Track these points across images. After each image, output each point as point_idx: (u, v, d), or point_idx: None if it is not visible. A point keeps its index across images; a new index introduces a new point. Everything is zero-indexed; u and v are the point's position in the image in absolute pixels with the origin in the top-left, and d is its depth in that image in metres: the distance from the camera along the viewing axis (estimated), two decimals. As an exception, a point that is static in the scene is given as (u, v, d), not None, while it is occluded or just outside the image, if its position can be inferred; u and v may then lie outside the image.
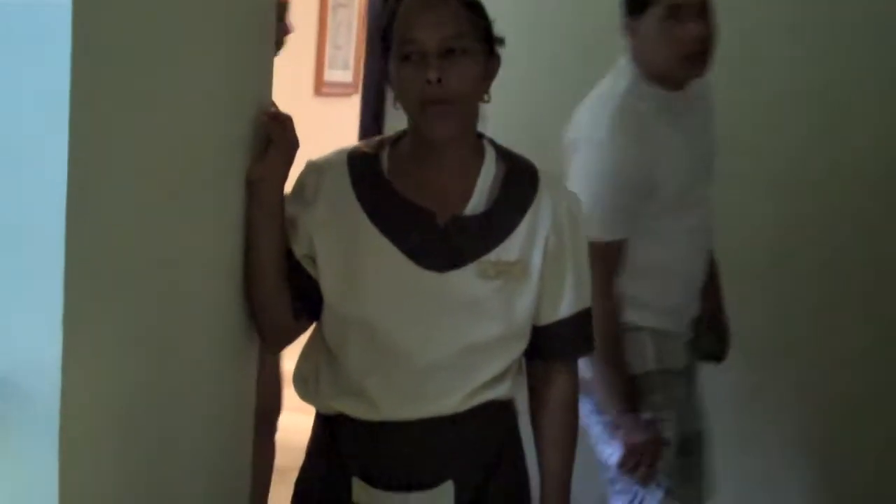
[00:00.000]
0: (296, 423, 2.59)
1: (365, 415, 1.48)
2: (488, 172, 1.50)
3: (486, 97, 1.47)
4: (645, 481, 2.07)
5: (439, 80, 1.37)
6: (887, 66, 2.67)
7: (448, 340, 1.45)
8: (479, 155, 1.51)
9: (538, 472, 1.59)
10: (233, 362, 1.49)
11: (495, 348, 1.48)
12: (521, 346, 1.52)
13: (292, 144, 1.45)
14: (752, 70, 2.59)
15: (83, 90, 0.99)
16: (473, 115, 1.48)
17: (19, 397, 1.04)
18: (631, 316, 2.05)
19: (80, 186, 1.01)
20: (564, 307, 1.52)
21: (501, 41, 1.49)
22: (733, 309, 2.36)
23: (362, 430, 1.49)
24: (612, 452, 2.11)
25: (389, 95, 1.51)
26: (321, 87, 4.54)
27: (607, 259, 1.99)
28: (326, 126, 3.50)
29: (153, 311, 1.22)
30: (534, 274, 1.48)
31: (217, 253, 1.41)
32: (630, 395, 2.06)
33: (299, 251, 1.49)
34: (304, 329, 1.55)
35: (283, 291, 1.48)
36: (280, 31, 2.24)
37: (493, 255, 1.46)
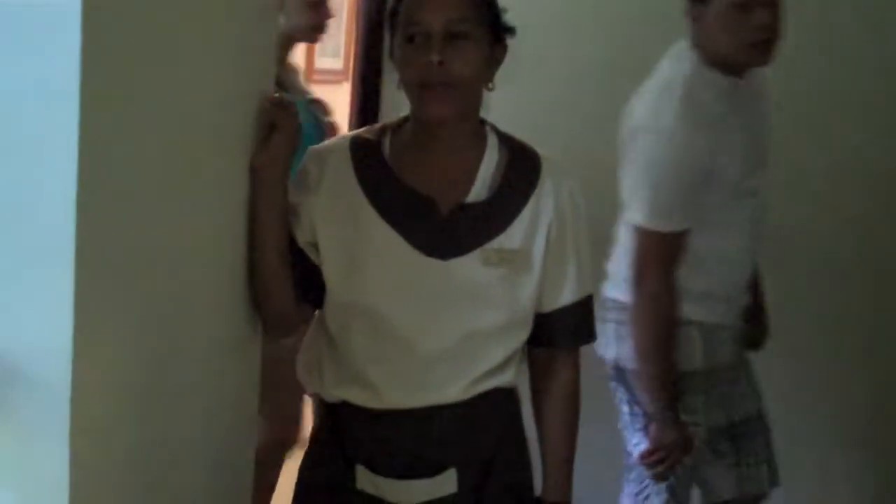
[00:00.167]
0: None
1: (368, 403, 1.48)
2: (490, 159, 1.50)
3: (490, 84, 1.48)
4: (659, 479, 2.07)
5: (441, 63, 1.38)
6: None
7: (450, 328, 1.46)
8: (482, 141, 1.51)
9: (540, 458, 1.60)
10: (236, 349, 1.50)
11: (498, 336, 1.49)
12: (523, 333, 1.53)
13: (295, 131, 1.45)
14: (804, 65, 2.58)
15: (92, 81, 1.00)
16: (475, 101, 1.48)
17: (30, 386, 1.05)
18: (683, 309, 2.02)
19: (90, 176, 1.02)
20: (566, 294, 1.53)
21: (512, 31, 1.49)
22: (780, 299, 2.36)
23: (366, 418, 1.49)
24: (637, 443, 2.11)
25: (388, 81, 1.51)
26: (311, 74, 4.53)
27: (667, 251, 1.97)
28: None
29: (160, 299, 1.23)
30: (536, 261, 1.49)
31: (221, 240, 1.41)
32: (672, 392, 2.03)
33: (302, 238, 1.49)
34: (307, 317, 1.56)
35: (286, 278, 1.48)
36: (320, 16, 2.25)
37: (495, 243, 1.46)
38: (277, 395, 1.89)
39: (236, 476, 1.56)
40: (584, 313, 1.57)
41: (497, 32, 1.47)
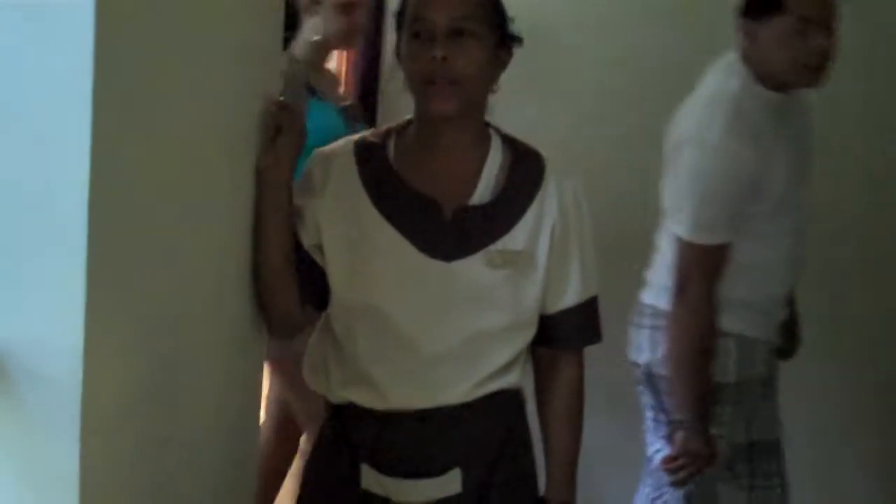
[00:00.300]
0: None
1: (373, 403, 1.49)
2: (494, 161, 1.51)
3: (494, 87, 1.49)
4: (678, 485, 2.07)
5: (445, 59, 1.39)
6: None
7: (455, 329, 1.46)
8: (485, 143, 1.52)
9: (544, 458, 1.61)
10: (241, 349, 1.51)
11: (502, 337, 1.50)
12: (528, 335, 1.53)
13: (300, 134, 1.46)
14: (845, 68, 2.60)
15: (105, 81, 1.01)
16: (479, 100, 1.49)
17: (42, 385, 1.06)
18: (721, 320, 2.02)
19: (102, 177, 1.03)
20: (570, 296, 1.53)
21: (518, 40, 1.50)
22: (825, 304, 2.36)
23: (371, 419, 1.50)
24: (659, 449, 2.11)
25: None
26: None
27: (709, 263, 1.97)
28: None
29: (168, 299, 1.24)
30: (540, 263, 1.49)
31: (227, 241, 1.42)
32: (703, 402, 2.03)
33: (307, 241, 1.50)
34: (312, 319, 1.56)
35: (290, 281, 1.49)
36: (353, 21, 2.25)
37: (499, 244, 1.47)
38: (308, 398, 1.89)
39: (240, 471, 1.57)
40: (588, 314, 1.57)
41: (502, 35, 1.48)
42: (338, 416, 1.56)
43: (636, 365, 2.16)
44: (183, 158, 1.24)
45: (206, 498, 1.43)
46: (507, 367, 1.51)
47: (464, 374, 1.48)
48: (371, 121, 2.84)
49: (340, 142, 1.57)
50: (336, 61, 3.07)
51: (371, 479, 1.51)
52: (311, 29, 2.38)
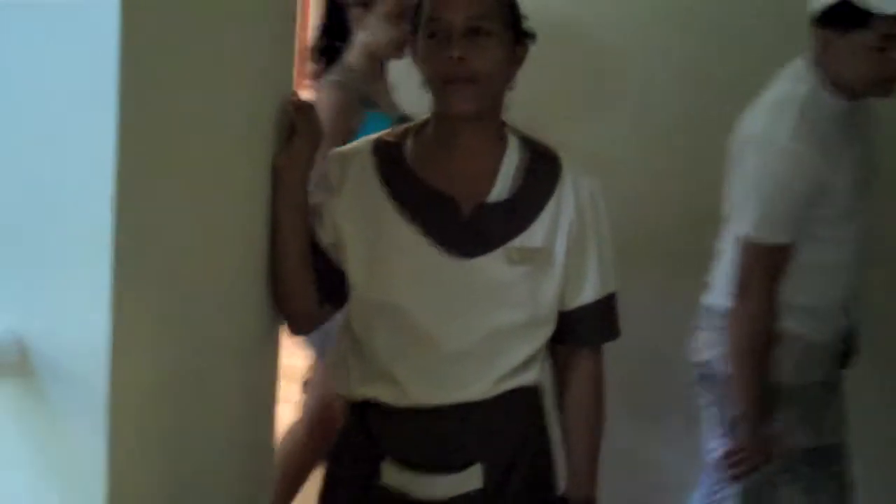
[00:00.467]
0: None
1: (394, 400, 1.50)
2: (511, 159, 1.52)
3: (511, 84, 1.50)
4: (735, 480, 2.09)
5: (462, 58, 1.40)
6: None
7: (474, 327, 1.47)
8: (503, 141, 1.53)
9: (564, 455, 1.61)
10: (259, 343, 1.52)
11: (521, 334, 1.51)
12: (546, 331, 1.54)
13: (316, 132, 1.47)
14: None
15: (129, 82, 1.03)
16: (496, 100, 1.50)
17: (69, 381, 1.08)
18: (782, 322, 2.04)
19: (126, 176, 1.05)
20: (588, 292, 1.54)
21: (532, 36, 1.52)
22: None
23: (391, 415, 1.51)
24: (717, 447, 2.12)
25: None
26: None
27: (771, 262, 1.99)
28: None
29: (189, 296, 1.26)
30: (558, 260, 1.50)
31: (245, 239, 1.43)
32: (762, 401, 2.05)
33: (325, 239, 1.51)
34: (329, 317, 1.57)
35: (307, 278, 1.50)
36: (403, 31, 2.21)
37: (517, 242, 1.48)
38: None
39: (259, 463, 1.58)
40: (606, 310, 1.58)
41: (518, 33, 1.49)
42: (358, 413, 1.57)
43: (697, 365, 2.18)
44: (202, 158, 1.26)
45: (227, 486, 1.44)
46: (526, 364, 1.53)
47: (483, 371, 1.49)
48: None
49: (358, 141, 1.58)
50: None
51: (392, 474, 1.52)
52: (363, 39, 2.40)
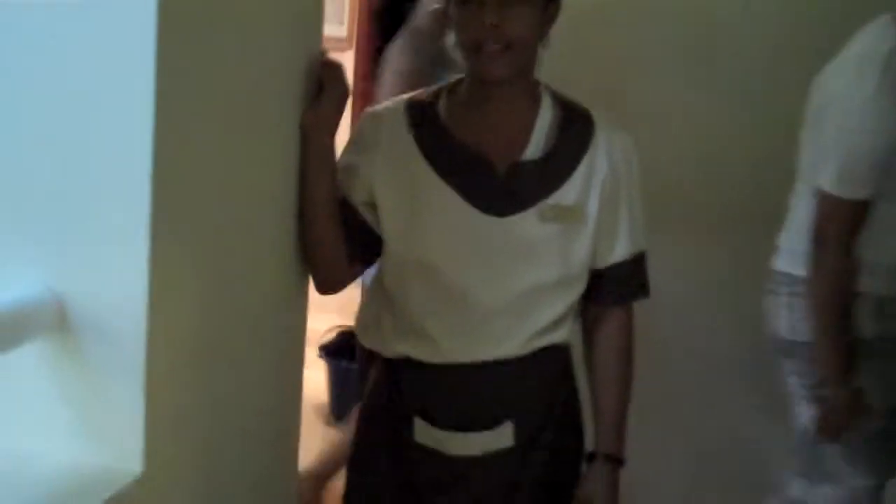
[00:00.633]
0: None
1: (427, 357, 1.52)
2: (545, 117, 1.51)
3: (544, 43, 1.48)
4: (829, 440, 2.07)
5: (496, 25, 1.39)
6: None
7: (508, 284, 1.48)
8: (536, 100, 1.52)
9: (593, 413, 1.63)
10: (288, 302, 1.53)
11: (554, 292, 1.51)
12: (578, 289, 1.55)
13: (343, 91, 1.47)
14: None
15: (166, 46, 1.04)
16: (530, 60, 1.49)
17: (107, 339, 1.10)
18: (860, 279, 2.01)
19: (164, 136, 1.06)
20: (619, 250, 1.55)
21: None
22: None
23: (424, 372, 1.53)
24: (806, 412, 2.11)
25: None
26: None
27: (849, 218, 1.97)
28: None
29: (223, 254, 1.27)
30: (590, 218, 1.51)
31: (274, 197, 1.44)
32: (846, 359, 2.02)
33: (358, 198, 1.52)
34: (357, 275, 1.58)
35: (336, 236, 1.51)
36: None
37: (551, 200, 1.48)
38: None
39: (286, 423, 1.60)
40: (636, 269, 1.58)
41: None
42: (391, 371, 1.58)
43: (775, 336, 2.16)
44: (234, 119, 1.26)
45: (257, 443, 1.46)
46: (557, 322, 1.54)
47: (516, 329, 1.50)
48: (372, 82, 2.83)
49: (390, 101, 1.58)
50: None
51: (424, 432, 1.54)
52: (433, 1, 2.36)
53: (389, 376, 1.59)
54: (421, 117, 1.52)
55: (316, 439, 2.65)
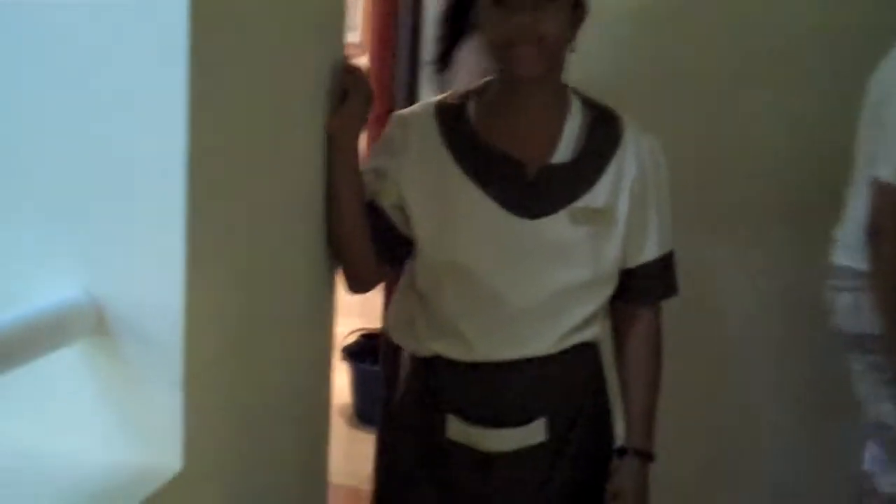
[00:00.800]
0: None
1: (460, 355, 1.54)
2: (574, 120, 1.53)
3: (572, 46, 1.50)
4: None
5: (529, 23, 1.41)
6: None
7: (540, 285, 1.50)
8: (565, 103, 1.54)
9: (623, 410, 1.65)
10: (316, 300, 1.56)
11: (584, 293, 1.53)
12: (609, 289, 1.57)
13: (367, 96, 1.49)
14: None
15: (199, 46, 1.06)
16: (560, 61, 1.50)
17: (145, 340, 1.12)
18: None
19: (198, 141, 1.08)
20: (648, 251, 1.57)
21: None
22: None
23: (457, 370, 1.55)
24: (890, 409, 2.09)
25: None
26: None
27: None
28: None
29: (255, 257, 1.29)
30: (620, 219, 1.53)
31: (303, 199, 1.46)
32: None
33: (387, 201, 1.54)
34: (385, 276, 1.61)
35: (363, 237, 1.53)
36: None
37: (581, 202, 1.50)
38: None
39: (317, 416, 1.63)
40: (665, 268, 1.61)
41: None
42: (423, 369, 1.60)
43: (842, 331, 2.15)
44: (265, 123, 1.29)
45: (288, 440, 1.49)
46: (588, 321, 1.55)
47: (548, 328, 1.52)
48: (389, 89, 2.85)
49: (419, 105, 1.60)
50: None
51: (457, 428, 1.56)
52: None
53: (422, 375, 1.61)
54: (450, 120, 1.54)
55: (339, 440, 2.67)
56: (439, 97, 1.61)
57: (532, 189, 1.50)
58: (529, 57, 1.43)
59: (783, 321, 2.55)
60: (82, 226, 1.11)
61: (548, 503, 1.59)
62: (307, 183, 1.46)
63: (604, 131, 1.54)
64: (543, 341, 1.53)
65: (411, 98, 2.79)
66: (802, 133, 2.50)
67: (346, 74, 1.49)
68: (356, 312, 3.46)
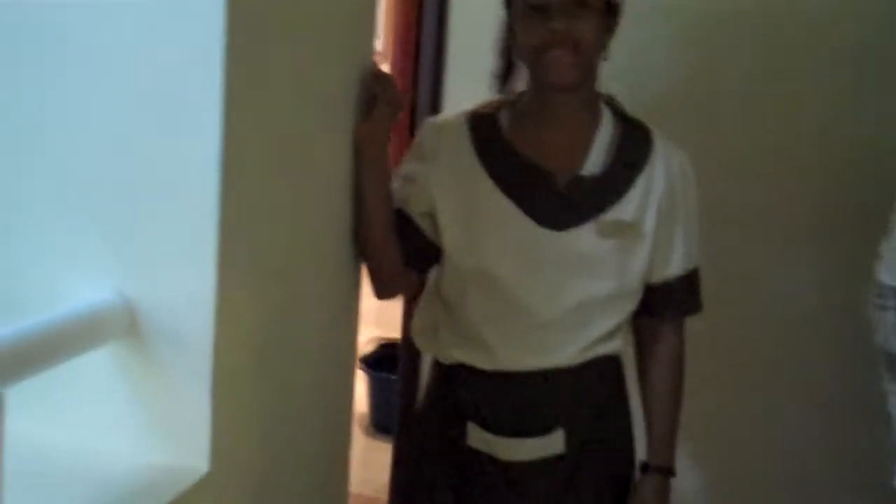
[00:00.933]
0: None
1: (483, 364, 1.55)
2: (605, 132, 1.54)
3: (605, 55, 1.50)
4: None
5: (562, 32, 1.41)
6: None
7: (564, 296, 1.50)
8: (597, 114, 1.55)
9: (645, 424, 1.65)
10: (341, 302, 1.57)
11: (608, 305, 1.54)
12: (632, 303, 1.57)
13: (396, 103, 1.50)
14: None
15: (234, 59, 1.07)
16: (592, 70, 1.51)
17: (175, 342, 1.13)
18: None
19: (231, 144, 1.09)
20: (674, 266, 1.57)
21: (620, 4, 1.52)
22: None
23: (479, 378, 1.55)
24: None
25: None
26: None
27: None
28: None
29: (285, 259, 1.31)
30: (647, 233, 1.53)
31: (331, 207, 1.47)
32: None
33: (416, 207, 1.55)
34: (413, 282, 1.61)
35: (391, 243, 1.54)
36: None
37: (609, 215, 1.50)
38: None
39: (339, 421, 1.64)
40: (690, 285, 1.61)
41: (610, 2, 1.49)
42: (446, 376, 1.61)
43: (883, 350, 2.07)
44: (295, 128, 1.30)
45: (312, 442, 1.50)
46: (611, 334, 1.56)
47: (571, 339, 1.53)
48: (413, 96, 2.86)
49: (452, 113, 1.61)
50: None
51: (477, 436, 1.57)
52: None
53: (444, 382, 1.62)
54: (482, 128, 1.55)
55: (355, 449, 2.68)
56: (474, 106, 1.61)
57: (560, 200, 1.51)
58: (563, 62, 1.44)
59: (824, 332, 2.52)
60: (115, 227, 1.12)
61: None
62: (336, 187, 1.47)
63: (634, 144, 1.55)
64: (566, 352, 1.53)
65: (434, 105, 2.79)
66: (859, 141, 2.45)
67: (375, 81, 1.50)
68: (372, 321, 3.46)
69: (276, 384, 1.32)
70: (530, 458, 1.56)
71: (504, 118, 1.56)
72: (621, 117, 1.57)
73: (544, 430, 1.55)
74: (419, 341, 1.65)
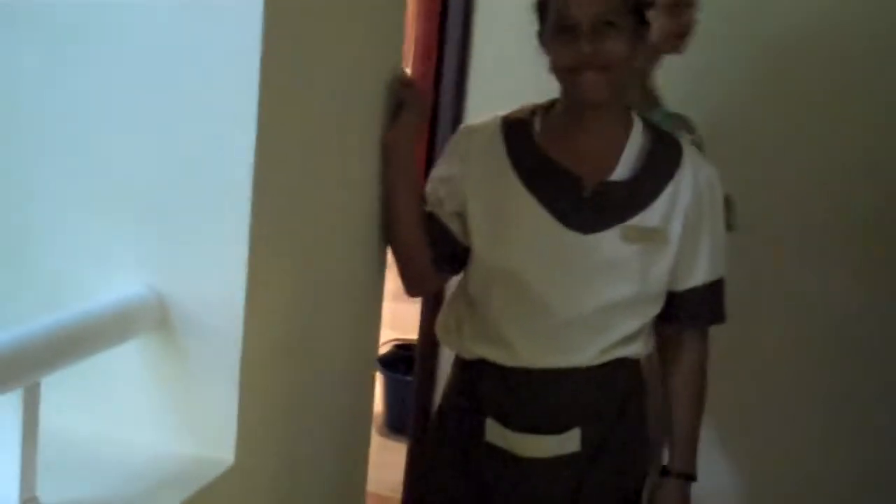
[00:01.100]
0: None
1: (504, 361, 1.57)
2: (635, 141, 1.56)
3: (634, 63, 1.51)
4: None
5: (592, 52, 1.43)
6: None
7: (587, 298, 1.53)
8: (628, 125, 1.57)
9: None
10: (365, 304, 1.61)
11: (630, 308, 1.55)
12: (654, 308, 1.59)
13: (423, 108, 1.53)
14: None
15: (270, 63, 1.10)
16: (623, 85, 1.53)
17: (205, 335, 1.16)
18: None
19: (264, 144, 1.12)
20: (699, 275, 1.58)
21: (651, 4, 1.54)
22: None
23: (499, 375, 1.58)
24: None
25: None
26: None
27: None
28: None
29: (311, 257, 1.34)
30: (673, 242, 1.54)
31: (358, 204, 1.51)
32: None
33: (448, 208, 1.58)
34: (443, 281, 1.65)
35: (421, 243, 1.58)
36: (679, 21, 2.00)
37: (635, 221, 1.52)
38: None
39: (360, 418, 1.68)
40: (714, 294, 1.62)
41: (640, 14, 1.51)
42: (467, 372, 1.64)
43: None
44: (326, 130, 1.33)
45: (332, 439, 1.54)
46: (632, 337, 1.58)
47: (593, 340, 1.55)
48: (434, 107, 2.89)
49: (488, 117, 1.63)
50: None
51: (495, 432, 1.59)
52: None
53: (465, 378, 1.64)
54: (515, 133, 1.58)
55: (371, 448, 2.71)
56: (509, 112, 1.63)
57: (587, 204, 1.53)
58: (595, 83, 1.46)
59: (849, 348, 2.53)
60: (148, 223, 1.15)
61: None
62: (364, 188, 1.50)
63: (663, 155, 1.57)
64: (586, 353, 1.55)
65: (457, 111, 2.82)
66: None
67: (403, 87, 1.53)
68: (387, 323, 3.48)
69: (301, 380, 1.35)
70: (546, 456, 1.58)
71: (538, 124, 1.59)
72: (652, 129, 1.59)
73: (561, 428, 1.57)
74: (442, 336, 1.68)
